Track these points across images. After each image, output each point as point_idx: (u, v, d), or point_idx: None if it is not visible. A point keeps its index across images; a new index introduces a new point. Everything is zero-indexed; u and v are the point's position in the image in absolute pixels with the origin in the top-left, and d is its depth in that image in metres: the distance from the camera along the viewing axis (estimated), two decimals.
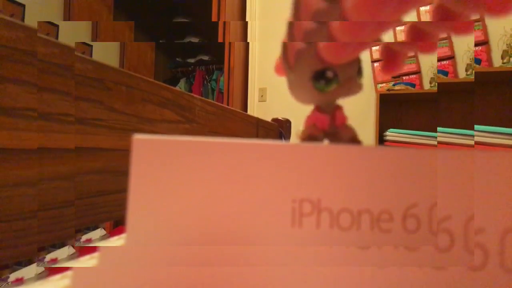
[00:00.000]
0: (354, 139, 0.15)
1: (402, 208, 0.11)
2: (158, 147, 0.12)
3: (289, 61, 0.15)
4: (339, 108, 0.15)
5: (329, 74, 0.13)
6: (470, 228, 0.11)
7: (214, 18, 1.72)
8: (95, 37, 1.91)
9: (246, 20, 1.88)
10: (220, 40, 1.74)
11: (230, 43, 1.77)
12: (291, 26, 0.14)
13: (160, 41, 2.64)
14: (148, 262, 0.11)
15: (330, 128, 0.15)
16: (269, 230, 0.11)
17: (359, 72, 0.14)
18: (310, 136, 0.15)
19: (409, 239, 0.11)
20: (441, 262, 0.11)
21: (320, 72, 0.13)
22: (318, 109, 0.15)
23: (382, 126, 1.58)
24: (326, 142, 0.15)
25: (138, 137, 0.12)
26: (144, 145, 0.12)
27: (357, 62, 0.14)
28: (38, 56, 0.26)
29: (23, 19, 1.60)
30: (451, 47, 1.58)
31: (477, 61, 1.46)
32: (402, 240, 0.11)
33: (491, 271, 0.11)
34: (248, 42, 1.91)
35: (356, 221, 0.11)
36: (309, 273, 0.11)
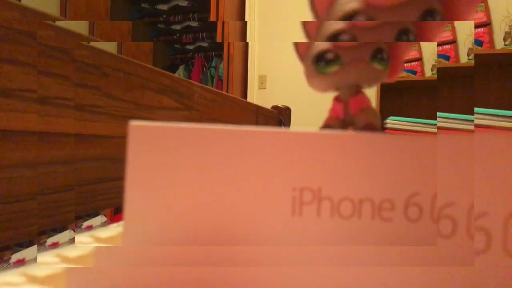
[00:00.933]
0: (369, 126, 0.14)
1: (404, 196, 0.11)
2: (155, 134, 0.11)
3: (300, 52, 0.14)
4: (356, 94, 0.14)
5: (329, 55, 0.13)
6: (473, 213, 0.11)
7: (212, 17, 1.68)
8: (92, 30, 1.88)
9: (245, 14, 1.84)
10: (219, 40, 1.71)
11: (228, 26, 1.74)
12: (305, 24, 0.14)
13: (158, 41, 2.60)
14: (144, 262, 0.11)
15: (346, 116, 0.14)
16: (269, 219, 0.11)
17: (375, 56, 0.13)
18: (326, 125, 0.15)
19: (411, 228, 0.11)
20: (444, 248, 0.11)
21: (320, 54, 0.13)
22: (335, 98, 0.15)
23: (383, 113, 1.57)
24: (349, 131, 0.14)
25: (134, 123, 0.11)
26: (141, 132, 0.11)
27: (371, 45, 0.13)
28: (36, 39, 0.26)
29: None
30: (453, 31, 1.56)
31: (479, 43, 1.43)
32: (403, 229, 0.11)
33: (494, 255, 0.11)
34: (246, 24, 1.88)
35: (357, 210, 0.11)
36: (308, 272, 0.11)
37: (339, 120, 0.14)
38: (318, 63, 0.13)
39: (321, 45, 0.13)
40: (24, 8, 0.25)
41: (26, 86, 0.25)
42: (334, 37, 0.13)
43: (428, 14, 0.12)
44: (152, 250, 0.11)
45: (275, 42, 1.89)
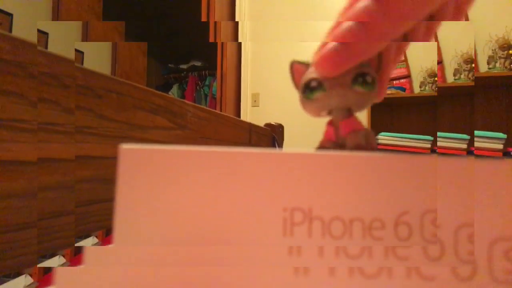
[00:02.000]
0: (358, 147, 0.15)
1: (394, 215, 0.11)
2: (146, 157, 0.11)
3: (296, 83, 0.16)
4: (347, 117, 0.15)
5: (313, 83, 0.15)
6: (460, 237, 0.11)
7: (203, 19, 1.71)
8: (114, 70, 1.93)
9: (237, 21, 1.88)
10: (211, 40, 1.74)
11: (222, 46, 1.77)
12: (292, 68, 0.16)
13: (152, 43, 2.66)
14: (133, 263, 0.11)
15: (338, 138, 0.15)
16: (260, 240, 0.11)
17: (356, 80, 0.14)
18: (320, 147, 0.16)
19: (401, 247, 0.11)
20: (431, 271, 0.11)
21: (306, 83, 0.15)
22: (329, 122, 0.16)
23: (374, 130, 1.59)
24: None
25: (125, 147, 0.11)
26: (132, 155, 0.11)
27: (351, 71, 0.14)
28: (26, 66, 0.26)
29: (10, 28, 1.58)
30: (407, 68, 1.67)
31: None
32: (394, 248, 0.11)
33: (480, 282, 0.11)
34: (241, 48, 1.91)
35: (348, 229, 0.11)
36: (298, 279, 0.11)
37: (332, 142, 0.15)
38: (304, 91, 0.15)
39: (308, 76, 0.15)
40: (13, 39, 0.25)
41: (17, 116, 0.25)
42: (307, 84, 0.15)
43: (360, 76, 0.14)
44: (142, 251, 0.11)
45: (268, 61, 1.92)
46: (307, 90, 0.15)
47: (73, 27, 1.93)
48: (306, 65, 0.16)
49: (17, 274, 0.44)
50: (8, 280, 0.48)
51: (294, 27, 1.80)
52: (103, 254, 0.11)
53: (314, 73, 0.15)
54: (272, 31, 1.90)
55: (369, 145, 0.15)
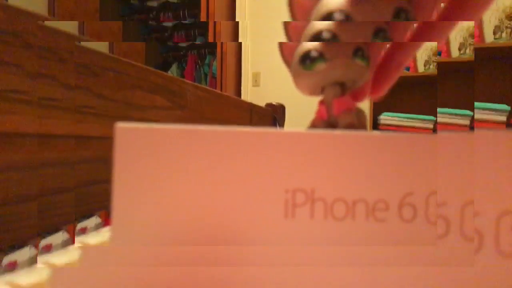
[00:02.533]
0: (350, 126, 0.14)
1: (398, 197, 0.11)
2: (142, 136, 0.11)
3: (286, 59, 0.15)
4: (340, 96, 0.15)
5: (313, 53, 0.14)
6: (466, 213, 0.11)
7: (203, 17, 1.67)
8: (82, 29, 1.86)
9: (236, 12, 1.83)
10: (211, 40, 1.70)
11: (221, 24, 1.73)
12: (287, 26, 0.15)
13: (151, 41, 2.58)
14: (131, 262, 0.10)
15: (329, 117, 0.15)
16: (262, 222, 0.11)
17: (356, 53, 0.14)
18: (311, 126, 0.16)
19: (405, 229, 0.11)
20: (437, 248, 0.11)
21: (305, 53, 0.14)
22: (321, 102, 0.15)
23: (376, 109, 1.58)
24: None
25: (121, 125, 0.11)
26: (128, 134, 0.11)
27: (351, 44, 0.14)
28: (23, 36, 0.25)
29: None
30: None
31: (438, 53, 1.52)
32: (398, 229, 0.11)
33: (486, 255, 0.11)
34: (238, 23, 1.87)
35: (351, 211, 0.11)
36: (303, 272, 0.11)
37: (323, 121, 0.15)
38: (304, 62, 0.14)
39: (305, 46, 0.14)
40: (10, 8, 0.24)
41: (13, 87, 0.25)
42: (316, 36, 0.13)
43: (359, 49, 0.13)
44: (139, 250, 0.11)
45: (268, 39, 1.88)
46: (307, 60, 0.14)
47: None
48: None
49: (20, 246, 0.45)
50: (13, 252, 0.48)
51: None
52: (103, 254, 0.10)
53: (312, 45, 0.14)
54: (270, 13, 1.85)
55: (361, 125, 0.15)
